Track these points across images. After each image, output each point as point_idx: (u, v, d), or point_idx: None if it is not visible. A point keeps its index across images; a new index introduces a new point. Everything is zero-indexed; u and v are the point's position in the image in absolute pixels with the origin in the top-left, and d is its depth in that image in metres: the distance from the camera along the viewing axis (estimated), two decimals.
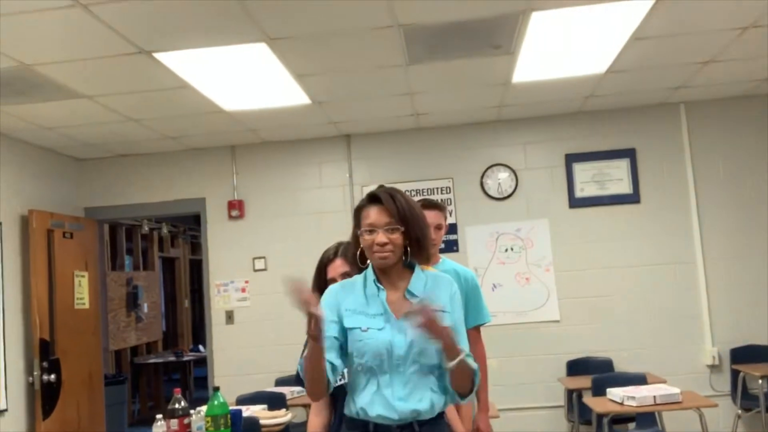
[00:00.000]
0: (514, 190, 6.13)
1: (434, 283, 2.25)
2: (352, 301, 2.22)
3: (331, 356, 2.14)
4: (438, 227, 3.28)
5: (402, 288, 2.22)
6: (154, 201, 6.50)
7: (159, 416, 3.24)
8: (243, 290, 6.23)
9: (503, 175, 6.16)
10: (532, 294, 5.99)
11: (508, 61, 4.58)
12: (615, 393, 4.36)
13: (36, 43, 3.69)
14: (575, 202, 6.06)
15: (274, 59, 4.18)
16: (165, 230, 10.19)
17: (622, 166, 6.03)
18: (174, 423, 3.20)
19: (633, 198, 6.00)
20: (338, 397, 2.53)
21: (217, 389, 3.20)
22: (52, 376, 5.48)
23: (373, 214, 2.19)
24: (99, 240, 6.74)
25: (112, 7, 3.28)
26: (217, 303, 6.31)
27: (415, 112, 5.74)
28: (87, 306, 6.12)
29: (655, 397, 4.21)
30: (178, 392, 3.28)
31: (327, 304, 2.22)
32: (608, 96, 5.65)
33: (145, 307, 9.56)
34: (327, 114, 5.59)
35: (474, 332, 3.17)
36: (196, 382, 10.34)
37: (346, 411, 2.25)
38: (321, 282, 2.60)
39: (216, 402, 3.14)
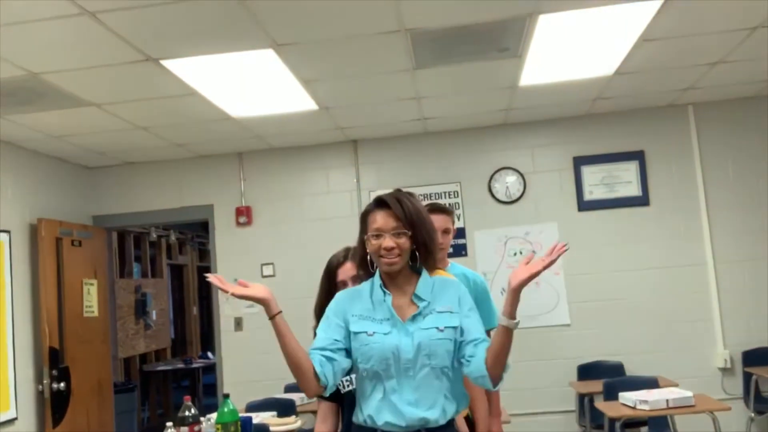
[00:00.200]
0: (522, 193, 6.11)
1: (441, 286, 2.24)
2: (359, 307, 2.22)
3: (324, 352, 2.14)
4: (446, 231, 3.26)
5: (409, 292, 2.21)
6: (162, 208, 6.50)
7: (169, 424, 3.22)
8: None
9: (511, 179, 6.14)
10: (542, 298, 5.96)
11: (515, 65, 4.57)
12: (627, 397, 4.33)
13: (43, 51, 3.69)
14: (584, 205, 6.03)
15: (281, 65, 4.18)
16: (173, 237, 10.20)
17: (631, 168, 6.00)
18: (184, 430, 3.19)
19: (642, 200, 5.97)
20: (345, 404, 2.51)
21: (227, 396, 3.18)
22: (62, 385, 5.48)
23: (380, 219, 2.19)
24: (107, 248, 6.75)
25: (120, 15, 3.29)
26: (226, 310, 6.31)
27: (422, 117, 5.73)
28: (96, 314, 6.13)
29: (668, 400, 4.18)
30: (188, 399, 3.27)
31: (334, 310, 2.23)
32: (616, 98, 5.62)
33: (154, 315, 9.56)
34: (334, 119, 5.58)
35: None
36: (204, 389, 10.33)
37: (354, 419, 2.24)
38: (330, 286, 2.59)
39: (226, 409, 3.12)
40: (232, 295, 2.08)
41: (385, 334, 2.15)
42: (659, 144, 6.01)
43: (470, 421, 2.87)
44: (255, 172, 6.42)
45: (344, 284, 2.56)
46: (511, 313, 2.05)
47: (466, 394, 2.29)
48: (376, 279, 2.25)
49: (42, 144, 5.56)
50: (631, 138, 6.04)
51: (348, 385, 2.50)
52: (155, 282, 9.81)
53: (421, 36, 3.91)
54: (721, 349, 5.78)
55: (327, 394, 2.23)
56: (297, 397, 5.05)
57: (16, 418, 5.15)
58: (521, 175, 6.13)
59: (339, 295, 2.31)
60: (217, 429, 3.14)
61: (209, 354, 9.85)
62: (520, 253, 5.98)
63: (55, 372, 5.46)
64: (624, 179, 6.00)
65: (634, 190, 5.99)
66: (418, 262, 2.22)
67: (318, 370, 2.11)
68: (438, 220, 2.98)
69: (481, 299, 3.18)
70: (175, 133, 5.63)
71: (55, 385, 5.44)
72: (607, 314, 5.90)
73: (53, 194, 5.97)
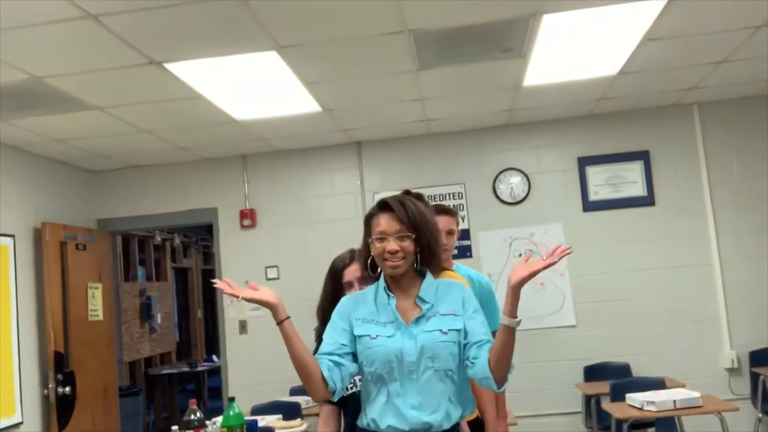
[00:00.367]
0: (526, 194, 6.09)
1: (446, 289, 2.23)
2: (363, 310, 2.22)
3: (332, 356, 2.14)
4: (450, 232, 3.25)
5: (413, 295, 2.21)
6: (167, 212, 6.50)
7: (175, 428, 3.22)
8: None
9: (516, 180, 6.12)
10: (548, 299, 5.94)
11: (519, 65, 4.55)
12: (634, 398, 4.31)
13: (46, 55, 3.69)
14: (589, 206, 6.01)
15: (285, 67, 4.17)
16: (177, 241, 10.20)
17: (636, 168, 5.98)
18: None
19: (647, 200, 5.95)
20: (347, 407, 2.50)
21: (232, 399, 3.17)
22: (67, 389, 5.48)
23: (384, 222, 2.18)
24: (112, 251, 6.75)
25: (122, 18, 3.28)
26: (230, 313, 6.30)
27: (426, 118, 5.72)
28: (101, 318, 6.13)
29: (675, 401, 4.16)
30: (193, 403, 3.26)
31: (339, 314, 2.23)
32: (620, 98, 5.60)
33: (159, 318, 9.55)
34: (337, 121, 5.58)
35: None
36: (209, 392, 10.31)
37: (359, 422, 2.23)
38: (335, 287, 2.59)
39: (231, 413, 3.11)
40: (243, 299, 2.08)
41: (388, 336, 2.14)
42: (664, 144, 5.99)
43: (480, 422, 2.86)
44: (259, 175, 6.42)
45: (350, 285, 2.56)
46: (512, 311, 2.03)
47: (472, 399, 2.28)
48: (381, 282, 2.25)
49: (46, 148, 5.56)
50: (636, 138, 6.02)
51: (351, 388, 2.49)
52: (160, 285, 9.80)
53: (424, 37, 3.90)
54: (728, 349, 5.76)
55: (335, 399, 2.22)
56: (302, 400, 5.04)
57: (21, 423, 5.15)
58: (526, 175, 6.11)
59: (344, 300, 2.31)
60: None
61: (214, 357, 9.85)
62: (525, 254, 5.95)
63: (60, 376, 5.46)
64: (629, 179, 5.98)
65: (639, 190, 5.97)
66: (420, 264, 2.21)
67: (326, 375, 2.10)
68: (442, 222, 2.97)
69: (486, 301, 3.17)
70: (179, 136, 5.63)
71: (60, 390, 5.44)
72: (613, 315, 5.88)
73: (57, 198, 5.98)
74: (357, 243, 2.42)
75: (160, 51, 3.77)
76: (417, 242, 2.17)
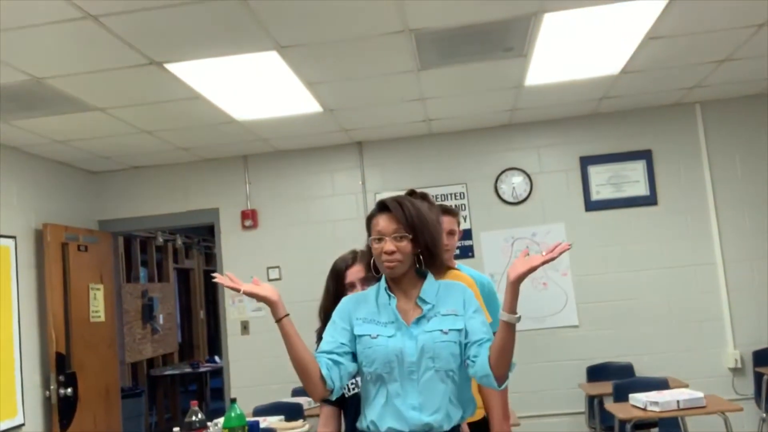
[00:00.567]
0: (528, 194, 6.08)
1: (447, 289, 2.23)
2: (364, 310, 2.22)
3: (331, 355, 2.14)
4: (451, 232, 3.24)
5: (414, 296, 2.21)
6: (168, 212, 6.50)
7: (176, 429, 3.21)
8: (257, 300, 6.19)
9: (517, 180, 6.11)
10: (550, 299, 5.92)
11: (520, 64, 4.54)
12: (638, 398, 4.29)
13: (46, 56, 3.69)
14: (591, 205, 6.00)
15: (285, 67, 4.16)
16: (179, 242, 10.21)
17: (639, 167, 5.96)
18: None
19: (650, 200, 5.93)
20: (348, 408, 2.50)
21: (234, 401, 3.16)
22: (69, 390, 5.48)
23: (382, 222, 2.19)
24: (114, 252, 6.74)
25: (123, 18, 3.28)
26: (232, 314, 6.30)
27: (427, 118, 5.71)
28: (102, 319, 6.12)
29: (678, 401, 4.14)
30: (195, 404, 3.25)
31: (340, 314, 2.23)
32: (623, 97, 5.59)
33: (161, 319, 9.55)
34: (338, 121, 5.57)
35: None
36: (212, 393, 10.32)
37: (358, 425, 2.22)
38: (337, 288, 2.58)
39: (233, 414, 3.10)
40: (243, 293, 2.11)
41: (389, 336, 2.14)
42: (666, 143, 5.97)
43: (485, 422, 2.85)
44: (260, 176, 6.41)
45: (353, 286, 2.56)
46: (512, 307, 2.03)
47: (473, 400, 2.27)
48: (382, 282, 2.25)
49: (47, 149, 5.56)
50: (638, 137, 6.00)
51: (353, 389, 2.48)
52: (162, 286, 9.81)
53: (425, 36, 3.89)
54: (731, 349, 5.74)
55: (333, 398, 2.22)
56: (304, 401, 5.02)
57: (23, 424, 5.14)
58: (527, 175, 6.10)
59: (345, 299, 2.31)
60: None
61: (216, 358, 9.85)
62: (528, 254, 5.93)
63: (62, 377, 5.46)
64: (631, 179, 5.96)
65: (641, 189, 5.95)
66: (422, 265, 2.20)
67: (325, 373, 2.10)
68: (443, 222, 2.96)
69: (488, 301, 3.15)
70: (180, 137, 5.62)
71: (62, 391, 5.43)
72: (615, 315, 5.86)
73: (59, 199, 5.97)
74: (359, 243, 2.41)
75: (160, 51, 3.76)
76: (415, 243, 2.16)
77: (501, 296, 3.35)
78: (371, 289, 2.29)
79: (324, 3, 3.33)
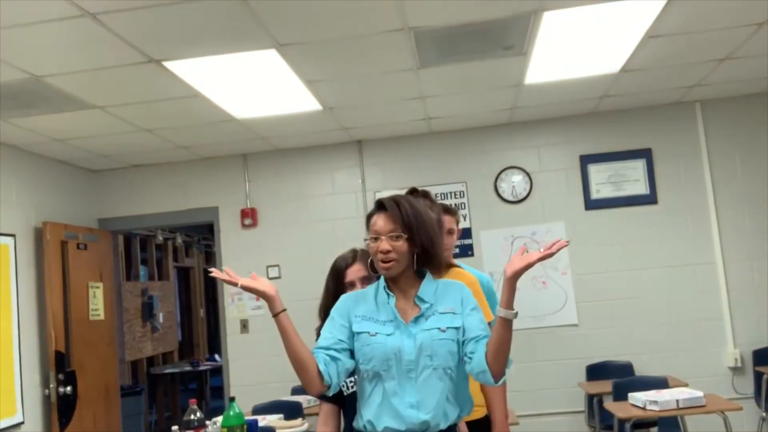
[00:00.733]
0: (528, 193, 6.07)
1: (445, 288, 2.23)
2: (363, 308, 2.22)
3: (329, 351, 2.14)
4: (449, 232, 3.23)
5: (412, 295, 2.21)
6: (167, 211, 6.50)
7: (175, 428, 3.21)
8: (257, 299, 6.18)
9: (517, 178, 6.10)
10: (550, 298, 5.92)
11: (520, 63, 4.53)
12: (637, 397, 4.28)
13: (45, 54, 3.68)
14: (591, 204, 5.99)
15: (285, 65, 4.16)
16: (179, 240, 10.20)
17: (638, 166, 5.95)
18: None
19: (650, 199, 5.92)
20: (347, 406, 2.49)
21: (232, 399, 3.16)
22: (68, 388, 5.47)
23: (379, 222, 2.20)
24: (113, 251, 6.74)
25: (121, 16, 3.27)
26: (232, 312, 6.30)
27: (426, 116, 5.70)
28: (102, 317, 6.12)
29: (678, 401, 4.13)
30: (193, 403, 3.25)
31: (338, 311, 2.23)
32: (623, 96, 5.58)
33: (161, 317, 9.55)
34: (338, 120, 5.56)
35: None
36: (212, 391, 10.32)
37: (354, 424, 2.22)
38: (337, 287, 2.58)
39: (231, 413, 3.10)
40: (241, 287, 2.14)
41: (387, 335, 2.14)
42: (667, 142, 5.96)
43: (487, 421, 2.85)
44: (260, 174, 6.41)
45: (353, 285, 2.56)
46: (508, 303, 2.03)
47: (471, 399, 2.27)
48: (381, 281, 2.25)
49: (46, 147, 5.55)
50: (638, 136, 6.00)
51: (352, 386, 2.48)
52: (162, 285, 9.81)
53: (424, 34, 3.88)
54: (731, 348, 5.73)
55: (331, 394, 2.22)
56: (304, 400, 5.02)
57: (22, 423, 5.14)
58: (527, 174, 6.09)
59: (344, 297, 2.31)
60: None
61: (216, 356, 9.85)
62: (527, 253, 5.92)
63: (61, 376, 5.45)
64: (631, 177, 5.96)
65: (641, 188, 5.94)
66: (419, 264, 2.20)
67: (322, 368, 2.10)
68: (444, 221, 2.95)
69: (487, 299, 3.15)
70: (180, 135, 5.61)
71: (61, 389, 5.43)
72: (615, 314, 5.86)
73: (58, 197, 5.97)
74: (358, 242, 2.42)
75: (159, 49, 3.75)
76: (412, 242, 2.16)
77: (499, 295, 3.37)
78: (370, 288, 2.29)
79: (323, 1, 3.32)
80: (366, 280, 2.47)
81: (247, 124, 5.42)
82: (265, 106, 5.01)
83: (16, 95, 4.23)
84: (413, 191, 2.90)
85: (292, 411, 4.70)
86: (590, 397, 5.47)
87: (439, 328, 2.13)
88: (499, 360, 2.06)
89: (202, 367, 9.73)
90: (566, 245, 2.04)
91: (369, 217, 2.25)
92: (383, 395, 2.12)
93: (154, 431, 8.72)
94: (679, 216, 5.89)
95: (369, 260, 2.26)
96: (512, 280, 2.03)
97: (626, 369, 5.69)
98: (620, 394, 4.68)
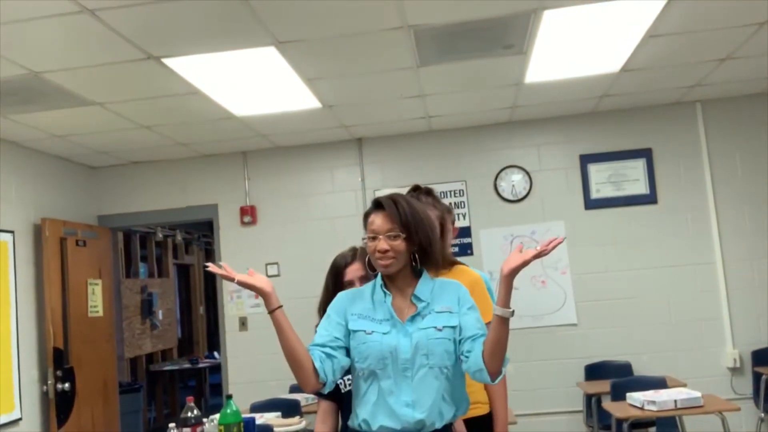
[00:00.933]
0: (528, 192, 6.06)
1: (441, 287, 2.23)
2: (360, 306, 2.22)
3: (325, 348, 2.15)
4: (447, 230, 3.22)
5: (409, 294, 2.21)
6: (167, 208, 6.50)
7: (172, 425, 3.20)
8: (256, 296, 6.16)
9: (517, 177, 6.09)
10: (549, 297, 5.91)
11: (520, 61, 4.52)
12: (635, 397, 4.28)
13: (44, 50, 3.68)
14: (591, 204, 5.98)
15: (284, 63, 4.15)
16: (179, 237, 10.20)
17: (638, 166, 5.94)
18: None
19: (650, 198, 5.92)
20: (344, 404, 2.49)
21: (229, 397, 3.16)
22: (67, 385, 5.47)
23: (376, 221, 2.19)
24: (113, 248, 6.74)
25: (120, 12, 3.26)
26: (231, 310, 6.30)
27: (426, 115, 5.70)
28: (101, 314, 6.12)
29: (676, 401, 4.12)
30: (191, 400, 3.25)
31: (335, 309, 2.23)
32: (623, 95, 5.57)
33: (160, 315, 9.55)
34: (338, 118, 5.55)
35: None
36: (211, 389, 10.32)
37: (350, 423, 2.22)
38: (336, 285, 2.58)
39: (229, 410, 3.10)
40: (237, 282, 2.14)
41: (383, 333, 2.14)
42: (667, 141, 5.95)
43: (488, 419, 2.84)
44: (259, 172, 6.40)
45: (351, 284, 2.55)
46: (505, 302, 2.02)
47: (467, 398, 2.26)
48: (378, 279, 2.25)
49: (45, 144, 5.55)
50: (639, 135, 5.99)
51: (349, 384, 2.48)
52: (161, 282, 9.81)
53: (424, 33, 3.87)
54: (730, 348, 5.73)
55: (326, 391, 2.21)
56: (302, 398, 5.02)
57: (20, 419, 5.14)
58: (527, 173, 6.08)
59: (340, 295, 2.31)
60: (220, 430, 3.12)
61: (215, 354, 9.85)
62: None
63: (59, 372, 5.45)
64: (631, 177, 5.95)
65: (641, 188, 5.94)
66: (418, 264, 2.20)
67: (317, 365, 2.10)
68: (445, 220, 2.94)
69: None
70: (179, 132, 5.61)
71: (59, 386, 5.43)
72: (614, 313, 5.85)
73: (57, 194, 5.97)
74: (358, 240, 2.41)
75: (158, 46, 3.75)
76: (410, 241, 2.16)
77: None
78: (367, 286, 2.29)
79: None
80: (365, 279, 2.46)
81: (247, 121, 5.42)
82: (265, 103, 5.01)
83: (16, 91, 4.22)
84: (417, 188, 2.89)
85: (290, 409, 4.70)
86: (588, 397, 5.47)
87: (435, 327, 2.13)
88: (496, 358, 2.05)
89: (201, 365, 9.73)
90: (562, 242, 2.03)
91: (366, 215, 2.24)
92: (379, 394, 2.12)
93: (153, 428, 8.72)
94: (679, 216, 5.88)
95: (366, 258, 2.26)
96: (509, 278, 2.02)
97: (625, 369, 5.69)
98: (618, 394, 4.67)
